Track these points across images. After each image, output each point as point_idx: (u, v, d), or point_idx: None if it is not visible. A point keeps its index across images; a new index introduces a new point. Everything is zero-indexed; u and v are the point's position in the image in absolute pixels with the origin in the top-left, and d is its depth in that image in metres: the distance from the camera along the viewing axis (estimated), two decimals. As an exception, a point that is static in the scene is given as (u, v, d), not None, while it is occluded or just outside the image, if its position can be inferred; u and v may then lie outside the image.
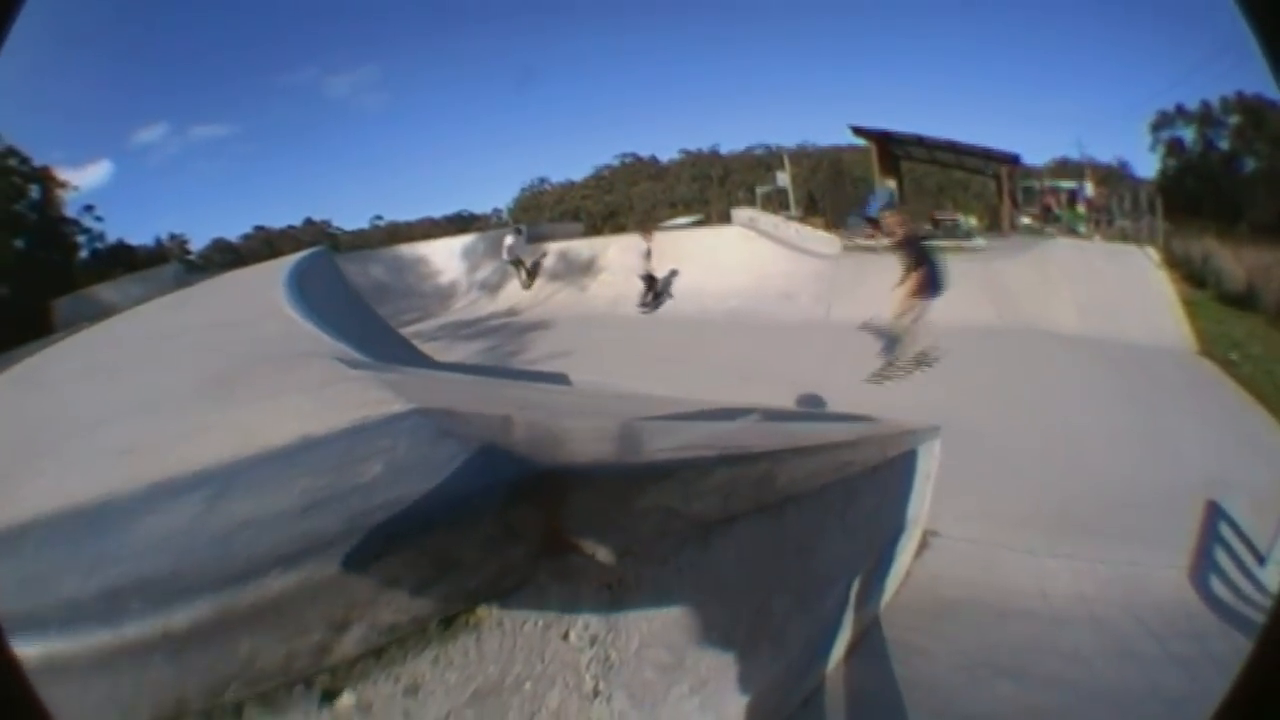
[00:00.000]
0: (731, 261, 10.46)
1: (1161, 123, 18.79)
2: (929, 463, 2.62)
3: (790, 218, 13.78)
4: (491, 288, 12.65)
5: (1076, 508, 3.39)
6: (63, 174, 13.48)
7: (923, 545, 2.64)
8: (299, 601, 0.54)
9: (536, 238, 13.56)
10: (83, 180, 14.96)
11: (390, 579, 0.55)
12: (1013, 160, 12.81)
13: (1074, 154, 20.35)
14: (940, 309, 6.20)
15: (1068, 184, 14.87)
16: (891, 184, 14.92)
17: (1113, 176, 18.95)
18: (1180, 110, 18.34)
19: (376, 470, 0.72)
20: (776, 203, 18.29)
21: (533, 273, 12.38)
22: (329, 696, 0.57)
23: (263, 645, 0.53)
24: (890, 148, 14.85)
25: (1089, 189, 14.09)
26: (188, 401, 1.44)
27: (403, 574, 0.55)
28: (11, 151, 12.72)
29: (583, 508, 0.66)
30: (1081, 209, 13.16)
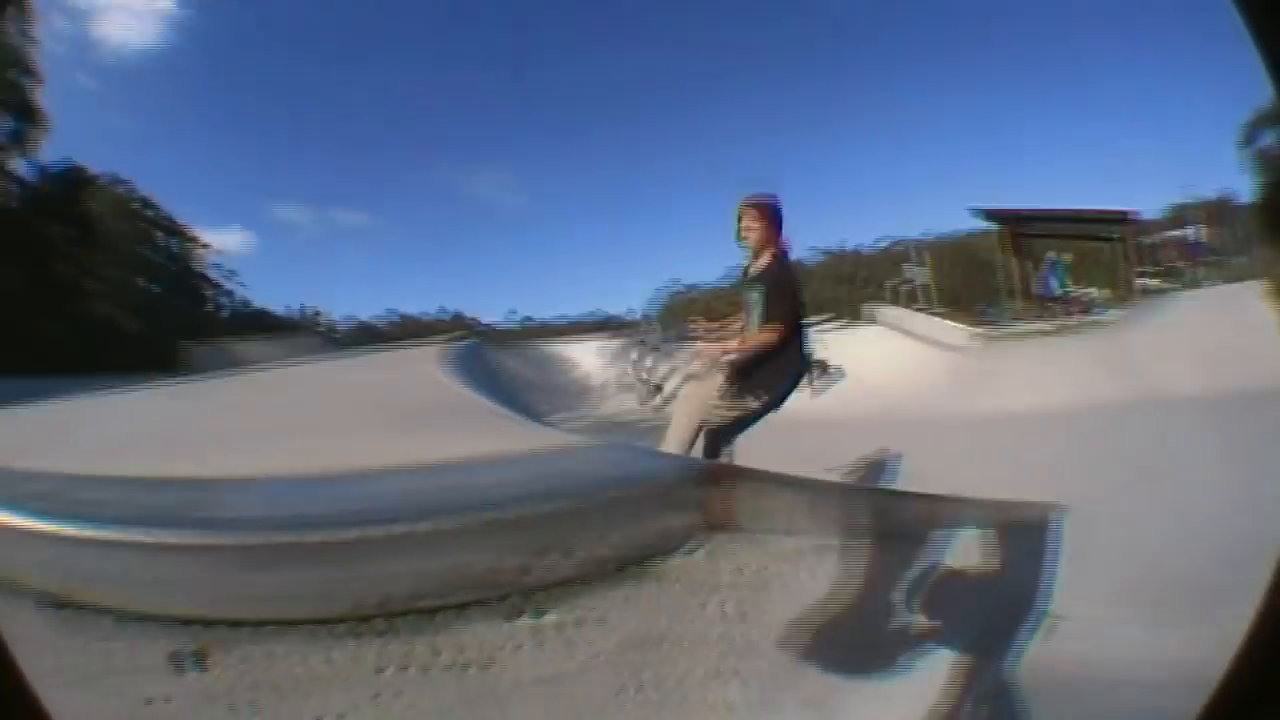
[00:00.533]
0: (870, 360, 10.14)
1: (1250, 135, 15.84)
2: (1052, 543, 2.50)
3: (927, 311, 13.33)
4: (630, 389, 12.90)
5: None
6: (204, 234, 15.20)
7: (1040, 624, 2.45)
8: (509, 528, 0.74)
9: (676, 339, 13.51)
10: (225, 244, 16.09)
11: (584, 523, 0.73)
12: (1128, 218, 11.86)
13: (1181, 197, 18.04)
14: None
15: (1178, 232, 13.38)
16: (1066, 256, 14.04)
17: (1223, 211, 16.48)
18: (1263, 116, 15.35)
19: (591, 463, 0.94)
20: (912, 296, 17.58)
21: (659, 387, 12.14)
22: (512, 614, 0.74)
23: (474, 559, 0.73)
24: (1018, 226, 14.24)
25: (1202, 232, 12.55)
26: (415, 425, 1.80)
27: (594, 520, 0.73)
28: (148, 203, 14.57)
29: (743, 498, 0.83)
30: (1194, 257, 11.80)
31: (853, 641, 1.10)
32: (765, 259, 2.65)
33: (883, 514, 1.09)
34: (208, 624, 0.74)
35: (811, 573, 0.97)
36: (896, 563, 1.20)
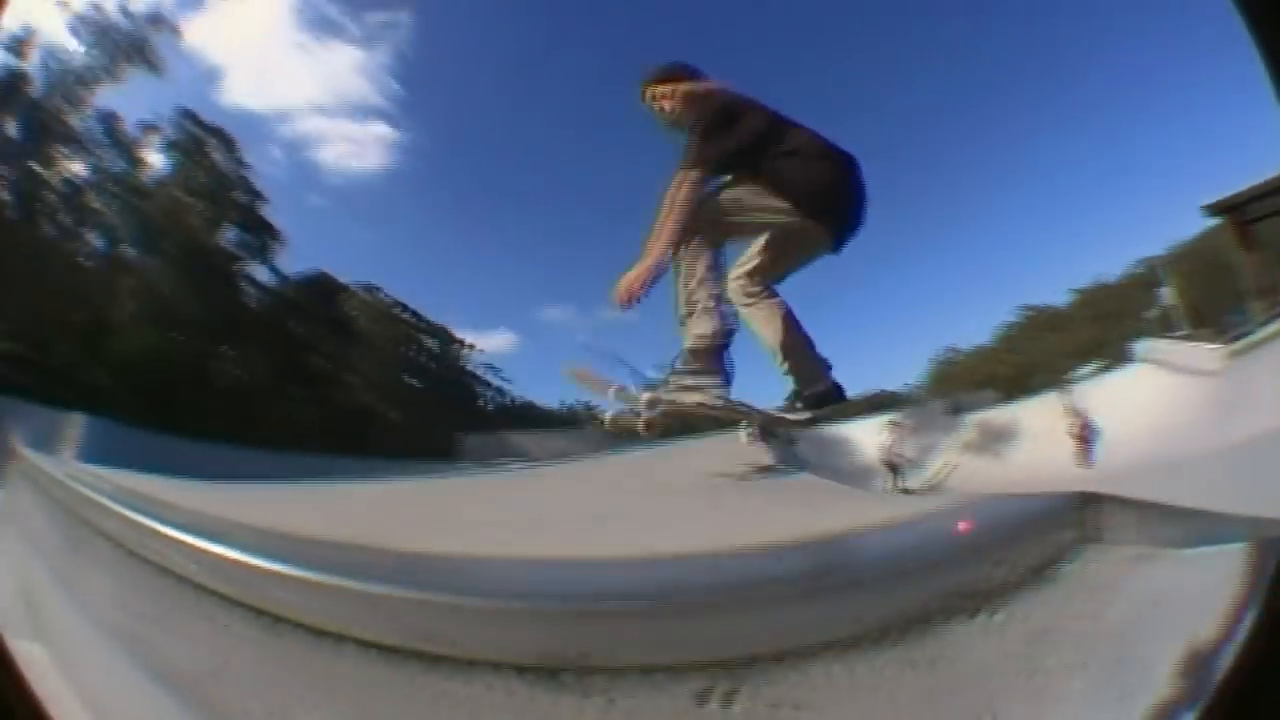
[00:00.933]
0: (1133, 405, 9.37)
1: None
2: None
3: (1178, 335, 11.81)
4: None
5: None
6: (463, 334, 15.93)
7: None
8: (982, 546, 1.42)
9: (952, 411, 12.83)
10: (488, 345, 16.80)
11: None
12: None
13: None
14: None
15: None
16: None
17: None
18: None
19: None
20: (1165, 322, 15.36)
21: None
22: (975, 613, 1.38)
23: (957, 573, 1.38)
24: (1241, 213, 12.04)
25: None
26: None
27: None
28: (404, 306, 15.44)
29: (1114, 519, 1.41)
30: None
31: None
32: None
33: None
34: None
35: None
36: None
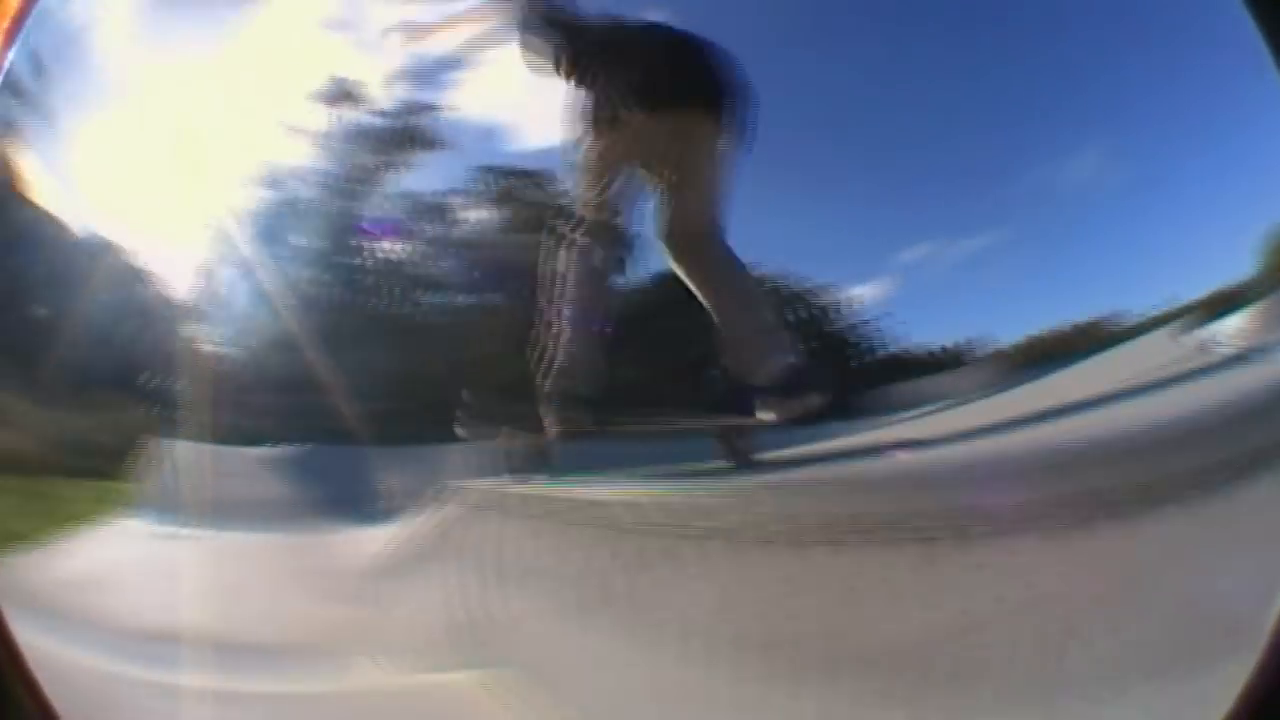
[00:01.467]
0: None
1: None
2: None
3: None
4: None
5: None
6: (841, 291, 15.96)
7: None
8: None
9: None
10: (863, 295, 16.47)
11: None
12: None
13: None
14: None
15: None
16: None
17: None
18: None
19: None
20: None
21: None
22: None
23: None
24: None
25: None
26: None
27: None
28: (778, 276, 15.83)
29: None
30: None
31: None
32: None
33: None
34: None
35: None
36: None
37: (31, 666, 0.56)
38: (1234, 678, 0.52)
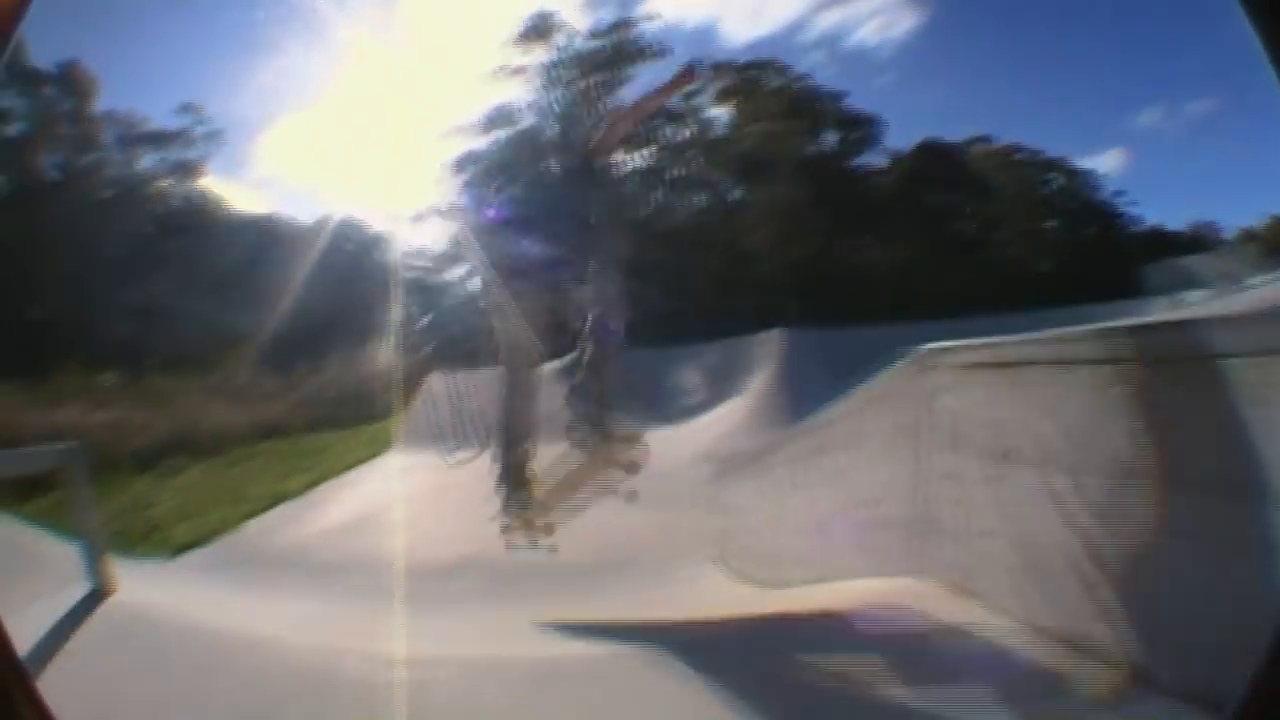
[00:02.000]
0: None
1: None
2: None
3: None
4: None
5: None
6: (1080, 162, 14.66)
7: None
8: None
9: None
10: (1103, 166, 15.16)
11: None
12: None
13: None
14: None
15: None
16: None
17: None
18: None
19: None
20: None
21: None
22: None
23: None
24: None
25: None
26: None
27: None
28: (1019, 148, 14.35)
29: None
30: None
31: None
32: None
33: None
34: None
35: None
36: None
37: (31, 675, 0.58)
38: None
